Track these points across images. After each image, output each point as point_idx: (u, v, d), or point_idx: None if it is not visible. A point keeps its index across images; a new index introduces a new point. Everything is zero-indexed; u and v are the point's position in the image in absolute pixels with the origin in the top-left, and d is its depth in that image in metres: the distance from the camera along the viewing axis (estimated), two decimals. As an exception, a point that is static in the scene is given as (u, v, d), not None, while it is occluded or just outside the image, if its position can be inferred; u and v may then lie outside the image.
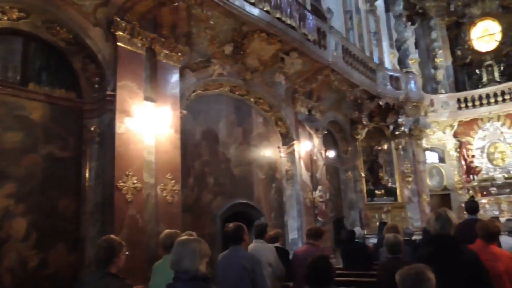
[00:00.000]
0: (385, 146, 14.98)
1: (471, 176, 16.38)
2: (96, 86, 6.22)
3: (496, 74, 17.54)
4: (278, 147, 10.32)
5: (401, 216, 14.27)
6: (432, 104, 16.69)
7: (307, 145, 10.48)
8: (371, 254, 6.76)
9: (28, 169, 5.41)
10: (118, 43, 6.16)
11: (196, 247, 2.25)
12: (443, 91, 17.96)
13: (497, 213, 14.43)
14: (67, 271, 5.53)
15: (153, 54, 6.76)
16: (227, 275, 3.61)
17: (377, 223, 11.44)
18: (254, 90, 9.36)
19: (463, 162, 17.00)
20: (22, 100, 5.52)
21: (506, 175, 15.07)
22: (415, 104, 14.60)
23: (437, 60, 18.72)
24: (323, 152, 11.32)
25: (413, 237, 7.60)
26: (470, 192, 16.06)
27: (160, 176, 6.38)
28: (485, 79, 17.78)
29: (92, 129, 6.07)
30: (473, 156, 16.33)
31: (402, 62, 15.87)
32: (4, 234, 5.01)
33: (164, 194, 6.37)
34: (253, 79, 9.13)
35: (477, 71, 18.37)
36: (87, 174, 5.93)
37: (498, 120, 15.96)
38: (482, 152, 15.88)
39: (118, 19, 6.10)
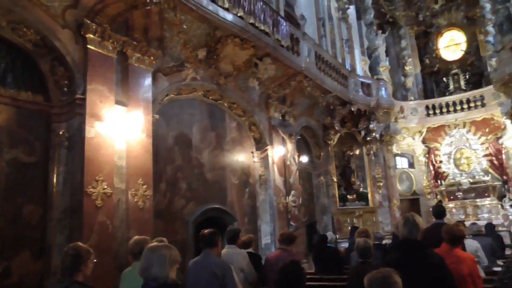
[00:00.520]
0: (357, 152, 15.23)
1: (439, 181, 16.84)
2: (65, 89, 6.07)
3: (462, 83, 18.17)
4: (252, 152, 10.34)
5: (372, 220, 14.52)
6: (402, 110, 17.10)
7: (280, 150, 10.54)
8: (343, 259, 6.84)
9: (-8, 175, 5.22)
10: (88, 46, 6.04)
11: (166, 254, 2.22)
12: (412, 98, 18.43)
13: (463, 217, 14.85)
14: (31, 280, 5.34)
15: (124, 57, 6.66)
16: (197, 281, 3.57)
17: (349, 228, 11.58)
18: (227, 94, 9.36)
19: (431, 168, 17.46)
20: (-14, 103, 5.33)
21: (471, 180, 15.55)
22: (385, 110, 14.93)
23: (407, 68, 19.23)
24: (296, 157, 11.41)
25: (383, 241, 7.73)
26: (438, 196, 16.49)
27: (131, 181, 6.28)
28: (451, 87, 18.38)
29: (61, 133, 5.92)
30: (440, 161, 16.79)
31: (373, 69, 16.22)
32: (-36, 242, 4.81)
33: (135, 200, 6.26)
34: (226, 84, 9.13)
35: (444, 79, 18.98)
36: (54, 180, 5.77)
37: (464, 127, 16.49)
38: (449, 157, 16.35)
39: (88, 22, 5.98)
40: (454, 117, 16.76)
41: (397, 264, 2.63)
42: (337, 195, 14.02)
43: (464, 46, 19.07)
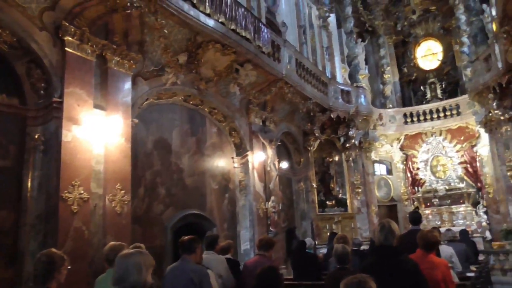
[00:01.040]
0: (336, 158, 15.40)
1: (416, 188, 17.13)
2: (42, 92, 5.96)
3: (439, 91, 18.57)
4: (232, 158, 10.33)
5: (351, 226, 14.66)
6: (380, 118, 17.37)
7: (260, 156, 10.56)
8: (321, 264, 6.87)
9: (-37, 179, 5.07)
10: (66, 49, 5.96)
11: (140, 260, 2.19)
12: (390, 105, 18.75)
13: (438, 223, 15.12)
14: (3, 287, 5.19)
15: (104, 61, 6.58)
16: (174, 287, 3.54)
17: (328, 234, 11.66)
18: (208, 100, 9.34)
19: (408, 174, 17.75)
20: (-42, 105, 5.18)
21: (447, 187, 15.87)
22: (364, 117, 15.17)
23: (385, 76, 19.57)
24: (276, 163, 11.45)
25: (362, 247, 7.82)
26: (415, 203, 16.75)
27: (109, 186, 6.19)
28: (428, 95, 18.77)
29: (36, 137, 5.79)
30: (417, 168, 17.09)
31: (352, 77, 16.49)
32: None
33: (113, 205, 6.17)
34: (207, 89, 9.11)
35: (421, 87, 19.37)
36: (29, 184, 5.64)
37: (440, 134, 16.84)
38: (425, 165, 16.66)
39: (67, 24, 5.90)
40: (431, 125, 17.11)
41: (373, 269, 2.67)
42: (316, 201, 14.11)
43: (440, 56, 19.54)
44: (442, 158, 16.45)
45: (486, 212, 15.05)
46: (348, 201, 15.00)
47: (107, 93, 6.52)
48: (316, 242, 11.13)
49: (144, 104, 7.80)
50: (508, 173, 12.69)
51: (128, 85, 6.92)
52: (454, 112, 16.81)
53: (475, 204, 15.53)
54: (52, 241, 5.21)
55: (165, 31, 7.37)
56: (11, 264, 5.35)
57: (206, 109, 9.58)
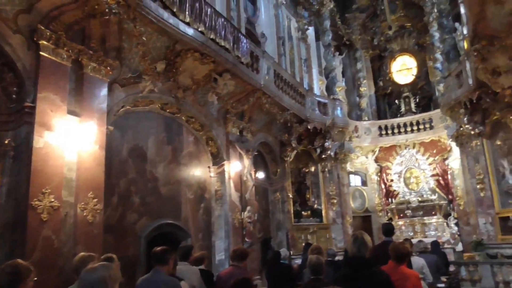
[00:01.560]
0: (312, 169, 15.53)
1: (389, 199, 17.42)
2: (14, 96, 5.79)
3: (413, 105, 19.06)
4: (208, 167, 10.27)
5: (326, 236, 14.77)
6: (356, 130, 17.66)
7: (237, 166, 10.55)
8: (296, 275, 6.87)
9: None
10: (41, 53, 5.82)
11: (105, 275, 2.12)
12: (366, 118, 19.09)
13: (411, 234, 15.40)
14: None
15: (79, 66, 6.47)
16: (146, 300, 3.47)
17: (303, 244, 11.70)
18: (185, 108, 9.29)
19: (383, 186, 18.06)
20: None
21: (420, 199, 16.21)
22: (340, 129, 15.39)
23: (362, 89, 19.96)
24: (253, 173, 11.46)
25: (336, 258, 7.87)
26: (389, 214, 17.03)
27: (81, 194, 6.04)
28: (403, 109, 19.23)
29: (6, 142, 5.61)
30: (391, 180, 17.41)
31: (329, 89, 16.73)
32: None
33: (85, 214, 6.03)
34: (185, 98, 9.06)
35: (396, 101, 19.84)
36: (-3, 191, 5.45)
37: (414, 147, 17.25)
38: (399, 176, 16.99)
39: (42, 28, 5.79)
40: (405, 138, 17.50)
41: (346, 281, 2.70)
42: (292, 212, 14.16)
43: (415, 71, 20.08)
44: (415, 170, 16.82)
45: (457, 224, 15.44)
46: (323, 212, 15.11)
47: (82, 99, 6.40)
48: (291, 253, 11.14)
49: (120, 111, 7.69)
50: (478, 186, 13.06)
51: (104, 91, 6.82)
52: (427, 125, 17.25)
53: (446, 215, 15.92)
54: (20, 251, 5.04)
55: (144, 38, 7.32)
56: (-25, 274, 5.13)
57: (183, 117, 9.52)
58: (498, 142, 12.77)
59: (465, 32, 12.77)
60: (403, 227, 15.92)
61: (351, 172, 17.48)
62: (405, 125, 17.75)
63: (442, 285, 6.07)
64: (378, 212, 17.77)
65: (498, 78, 9.50)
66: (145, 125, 8.55)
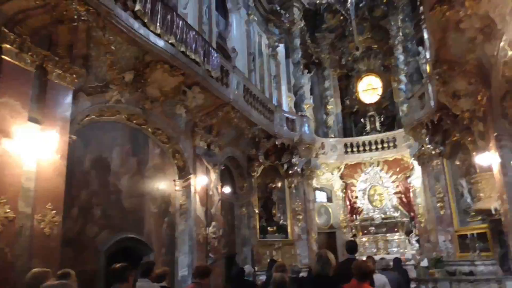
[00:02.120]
0: (279, 184, 15.59)
1: (354, 216, 17.68)
2: (-29, 101, 5.53)
3: (377, 124, 19.59)
4: (174, 180, 10.09)
5: (291, 253, 14.77)
6: (322, 146, 17.91)
7: (203, 180, 10.42)
8: (260, 292, 6.82)
9: None
10: (3, 56, 5.60)
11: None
12: (332, 135, 19.43)
13: (374, 250, 15.65)
14: None
15: (44, 72, 6.25)
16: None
17: (268, 260, 11.64)
18: (153, 120, 9.14)
19: (347, 202, 18.32)
20: None
21: (383, 216, 16.53)
22: (307, 146, 15.58)
23: (329, 107, 20.34)
24: (219, 187, 11.36)
25: (300, 274, 7.85)
26: (353, 230, 17.27)
27: (39, 205, 5.78)
28: (368, 127, 19.72)
29: (-40, 149, 5.33)
30: (356, 197, 17.71)
31: (298, 105, 16.96)
32: None
33: (42, 226, 5.75)
34: (152, 109, 8.92)
35: (362, 120, 20.33)
36: None
37: (378, 165, 17.66)
38: (364, 193, 17.30)
39: (6, 31, 5.57)
40: (370, 156, 17.89)
41: (310, 299, 2.68)
42: (258, 227, 14.11)
43: (380, 91, 20.70)
44: (379, 188, 17.18)
45: (418, 241, 15.82)
46: (289, 228, 15.14)
47: (45, 106, 6.17)
48: (256, 269, 11.06)
49: (84, 120, 7.48)
50: (438, 205, 13.48)
51: (68, 99, 6.61)
52: (391, 144, 17.73)
53: (408, 232, 16.29)
54: (-31, 265, 4.74)
55: (113, 47, 7.18)
56: None
57: (150, 129, 9.35)
58: (457, 162, 13.27)
59: (428, 56, 13.35)
60: (366, 244, 16.14)
61: (317, 188, 17.65)
62: (370, 143, 18.17)
63: (403, 302, 6.16)
64: (343, 228, 17.97)
65: (458, 101, 9.92)
66: (110, 136, 8.34)
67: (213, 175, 10.98)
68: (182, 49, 8.40)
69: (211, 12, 12.23)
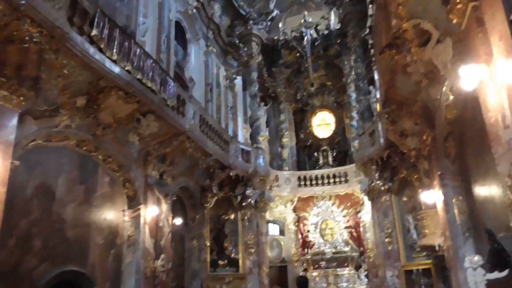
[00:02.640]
0: (232, 216, 15.39)
1: (305, 250, 17.71)
2: None
3: (330, 159, 20.05)
4: (123, 211, 9.72)
5: (241, 287, 14.45)
6: (277, 179, 18.02)
7: (154, 211, 10.11)
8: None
9: None
10: None
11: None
12: (287, 168, 19.63)
13: (325, 285, 15.66)
14: None
15: (-12, 93, 5.94)
16: None
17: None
18: (104, 147, 8.85)
19: (299, 236, 18.36)
20: None
21: (334, 250, 16.66)
22: (262, 178, 15.63)
23: (284, 140, 20.64)
24: (170, 218, 11.06)
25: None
26: (304, 264, 17.24)
27: (-30, 235, 5.34)
28: (321, 161, 20.14)
29: None
30: (308, 231, 17.79)
31: (253, 137, 17.11)
32: None
33: (-28, 258, 5.31)
34: (104, 136, 8.66)
35: (315, 154, 20.75)
36: None
37: (330, 199, 17.96)
38: (315, 227, 17.43)
39: None
40: (322, 190, 18.18)
41: None
42: (208, 260, 13.76)
43: (333, 127, 21.33)
44: (331, 222, 17.39)
45: (367, 276, 16.02)
46: (240, 261, 14.87)
47: (-14, 129, 5.82)
48: (205, 304, 10.70)
49: (29, 145, 7.11)
50: (386, 240, 13.82)
51: (13, 122, 6.27)
52: (343, 179, 18.15)
53: (358, 267, 16.47)
54: None
55: (66, 71, 6.98)
56: None
57: (100, 156, 9.03)
58: (405, 199, 13.77)
59: (378, 95, 14.02)
60: (317, 278, 16.12)
61: (269, 221, 17.60)
62: (322, 177, 18.51)
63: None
64: (294, 262, 17.90)
65: (405, 140, 10.39)
66: (56, 162, 7.97)
67: (165, 206, 10.70)
68: (139, 76, 8.31)
69: (170, 41, 12.25)
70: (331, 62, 20.42)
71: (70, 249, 7.97)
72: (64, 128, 7.68)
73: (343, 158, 20.18)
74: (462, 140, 8.29)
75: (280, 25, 20.57)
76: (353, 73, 18.29)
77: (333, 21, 19.88)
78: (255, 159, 15.50)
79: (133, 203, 9.85)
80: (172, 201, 11.35)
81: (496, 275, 5.43)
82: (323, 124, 21.58)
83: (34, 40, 5.93)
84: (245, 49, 17.94)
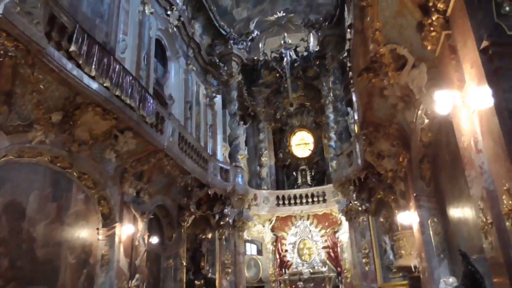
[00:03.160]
0: (209, 235, 15.19)
1: (283, 270, 17.56)
2: None
3: (309, 178, 20.16)
4: (97, 229, 9.45)
5: (216, 308, 14.18)
6: (255, 198, 17.94)
7: (129, 229, 9.88)
8: None
9: None
10: None
11: None
12: (265, 187, 19.61)
13: (302, 306, 15.56)
14: None
15: (-42, 107, 5.76)
16: None
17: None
18: (79, 163, 8.65)
19: (277, 256, 18.23)
20: None
21: (311, 270, 16.61)
22: (240, 196, 15.54)
23: (263, 159, 20.67)
24: (146, 237, 10.81)
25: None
26: (282, 285, 17.09)
27: None
28: (300, 181, 20.22)
29: None
30: (286, 250, 17.72)
31: (232, 156, 17.06)
32: None
33: None
34: (79, 152, 8.48)
35: (294, 173, 20.83)
36: None
37: (308, 219, 17.97)
38: (293, 247, 17.39)
39: None
40: (300, 209, 18.18)
41: None
42: (184, 280, 13.46)
43: (312, 146, 21.53)
44: (309, 242, 17.38)
45: (344, 296, 15.99)
46: (217, 281, 14.61)
47: (-45, 144, 5.63)
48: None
49: (0, 160, 6.89)
50: (363, 260, 13.86)
51: (-16, 137, 6.10)
52: (321, 199, 18.21)
53: (335, 288, 16.43)
54: None
55: (41, 86, 6.86)
56: None
57: (75, 173, 8.81)
58: (382, 219, 13.90)
59: (356, 117, 14.22)
60: (294, 299, 16.00)
61: (247, 241, 17.45)
62: (301, 196, 18.54)
63: None
64: (272, 282, 17.72)
65: (382, 161, 10.55)
66: (28, 178, 7.73)
67: (141, 224, 10.47)
68: (117, 93, 8.22)
69: (149, 58, 12.22)
70: (310, 83, 20.74)
71: (39, 269, 7.67)
72: (38, 143, 7.49)
73: (321, 178, 20.32)
74: (436, 163, 8.47)
75: (260, 45, 20.86)
76: (331, 94, 18.58)
77: (312, 43, 20.30)
78: (233, 178, 15.43)
79: (108, 221, 9.61)
80: (148, 220, 11.12)
81: (470, 297, 5.48)
82: (302, 143, 21.77)
83: (9, 54, 5.81)
84: (225, 68, 18.07)
